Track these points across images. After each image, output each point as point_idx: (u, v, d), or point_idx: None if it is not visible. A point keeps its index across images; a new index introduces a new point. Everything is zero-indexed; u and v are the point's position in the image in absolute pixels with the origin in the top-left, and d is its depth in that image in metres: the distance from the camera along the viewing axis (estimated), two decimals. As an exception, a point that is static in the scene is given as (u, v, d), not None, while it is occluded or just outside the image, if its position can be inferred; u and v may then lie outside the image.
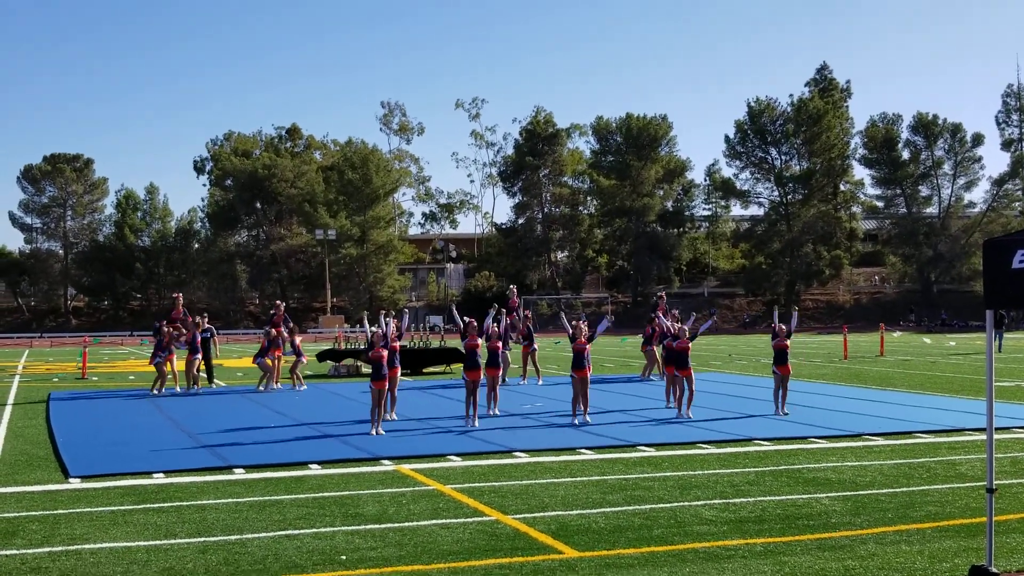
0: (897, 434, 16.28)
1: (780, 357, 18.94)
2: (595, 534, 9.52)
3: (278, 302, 26.26)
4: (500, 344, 19.08)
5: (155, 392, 23.65)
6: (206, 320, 26.59)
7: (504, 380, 25.37)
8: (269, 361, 24.76)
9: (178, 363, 24.79)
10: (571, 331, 18.19)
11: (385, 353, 16.69)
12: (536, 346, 26.55)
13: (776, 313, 20.13)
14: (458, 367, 28.18)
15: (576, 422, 17.59)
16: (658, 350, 25.71)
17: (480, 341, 17.92)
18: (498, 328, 19.60)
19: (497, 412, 18.75)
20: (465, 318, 19.71)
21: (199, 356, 24.65)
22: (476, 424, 17.22)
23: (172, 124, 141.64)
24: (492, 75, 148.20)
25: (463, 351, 18.06)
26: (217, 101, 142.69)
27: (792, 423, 17.61)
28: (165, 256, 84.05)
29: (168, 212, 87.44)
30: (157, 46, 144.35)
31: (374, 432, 16.21)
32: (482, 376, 17.73)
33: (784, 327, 19.15)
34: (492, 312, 19.80)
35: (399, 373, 18.28)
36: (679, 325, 20.50)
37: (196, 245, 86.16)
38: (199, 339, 24.78)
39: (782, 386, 18.92)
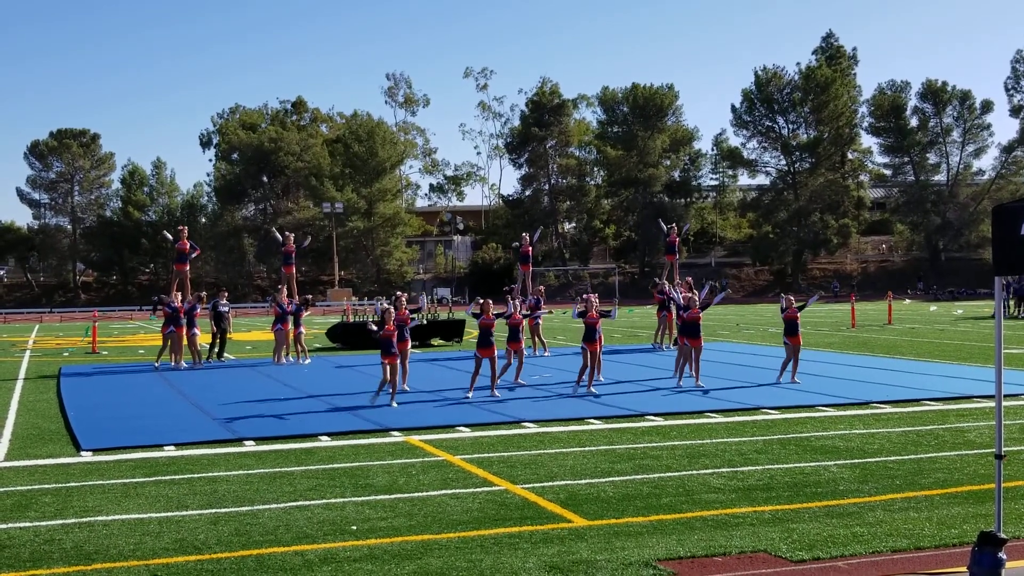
0: (905, 402, 16.30)
1: (791, 328, 18.94)
2: (604, 503, 9.56)
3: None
4: (521, 319, 19.18)
5: (183, 364, 23.73)
6: (224, 294, 26.61)
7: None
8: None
9: (203, 337, 24.84)
10: (583, 306, 18.29)
11: (395, 329, 16.74)
12: (541, 320, 26.52)
13: (786, 297, 19.90)
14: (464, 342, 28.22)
15: (577, 391, 17.67)
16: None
17: (495, 320, 17.89)
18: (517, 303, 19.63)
19: (522, 382, 18.92)
20: (479, 298, 19.65)
21: (198, 331, 24.56)
22: (471, 396, 17.19)
23: (178, 98, 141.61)
24: (498, 47, 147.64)
25: (478, 328, 17.91)
26: (222, 75, 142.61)
27: (800, 391, 17.64)
28: (171, 249, 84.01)
29: (175, 187, 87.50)
30: (163, 21, 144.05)
31: (376, 401, 16.28)
32: (495, 352, 17.67)
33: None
34: (514, 299, 19.92)
35: (409, 346, 18.28)
36: (689, 294, 20.47)
37: (203, 219, 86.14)
38: (198, 311, 24.77)
39: (793, 356, 18.92)
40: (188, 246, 25.96)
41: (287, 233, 27.82)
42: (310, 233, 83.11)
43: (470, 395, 17.33)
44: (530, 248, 27.89)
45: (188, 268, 26.14)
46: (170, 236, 27.74)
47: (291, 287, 25.80)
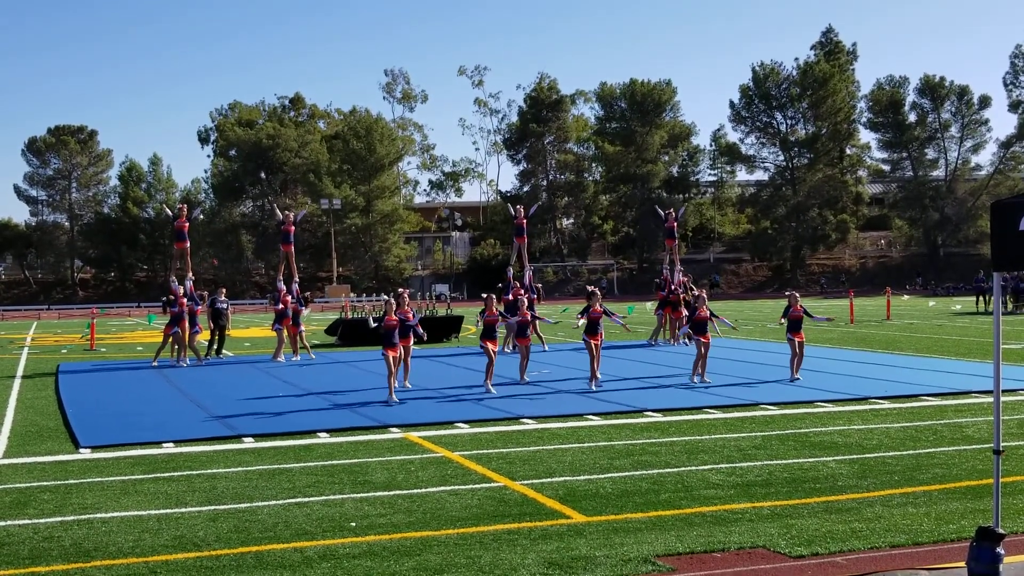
0: (903, 397, 16.31)
1: (795, 325, 18.91)
2: (603, 499, 9.57)
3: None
4: (529, 315, 19.31)
5: (185, 361, 23.70)
6: (223, 292, 26.67)
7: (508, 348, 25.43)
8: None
9: (203, 335, 24.93)
10: (588, 300, 18.37)
11: (397, 321, 16.72)
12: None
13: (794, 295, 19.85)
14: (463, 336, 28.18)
15: (593, 387, 17.72)
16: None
17: (499, 317, 18.04)
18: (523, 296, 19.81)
19: (527, 379, 18.96)
20: (483, 294, 19.68)
21: (199, 328, 24.61)
22: (492, 391, 17.25)
23: (175, 95, 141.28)
24: (496, 42, 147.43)
25: (482, 324, 18.06)
26: (220, 71, 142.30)
27: (798, 387, 17.66)
28: (170, 227, 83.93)
29: (172, 183, 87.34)
30: (160, 16, 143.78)
31: (391, 399, 16.11)
32: (498, 345, 17.79)
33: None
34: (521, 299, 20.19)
35: (412, 342, 18.21)
36: (695, 292, 20.56)
37: (201, 216, 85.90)
38: (199, 309, 24.78)
39: (797, 352, 18.88)
40: (188, 225, 26.19)
41: (287, 212, 28.66)
42: (308, 229, 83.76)
43: (492, 391, 17.28)
44: (524, 220, 28.45)
45: (188, 245, 26.26)
46: (170, 212, 28.21)
47: (291, 265, 25.81)
